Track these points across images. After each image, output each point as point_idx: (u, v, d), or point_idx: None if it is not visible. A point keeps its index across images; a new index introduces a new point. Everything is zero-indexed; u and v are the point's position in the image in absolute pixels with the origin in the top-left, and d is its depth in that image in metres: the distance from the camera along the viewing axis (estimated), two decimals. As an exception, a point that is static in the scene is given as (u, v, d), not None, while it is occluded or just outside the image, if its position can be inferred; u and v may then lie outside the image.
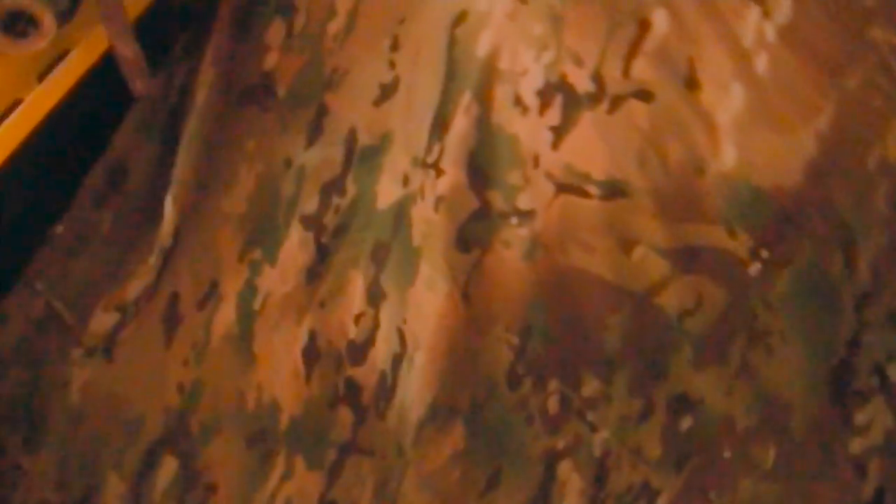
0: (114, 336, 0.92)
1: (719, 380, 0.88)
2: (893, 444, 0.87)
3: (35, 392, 0.88)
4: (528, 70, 0.88)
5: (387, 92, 0.92)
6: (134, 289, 0.91)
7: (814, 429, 0.88)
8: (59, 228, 0.91)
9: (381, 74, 0.93)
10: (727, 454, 0.88)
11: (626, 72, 0.87)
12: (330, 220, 0.93)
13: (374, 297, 0.92)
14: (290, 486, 0.91)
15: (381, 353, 0.91)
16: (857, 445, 0.88)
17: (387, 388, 0.91)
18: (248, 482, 0.91)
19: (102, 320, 0.92)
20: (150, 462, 0.90)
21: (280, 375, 0.92)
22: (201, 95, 0.94)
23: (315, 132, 0.94)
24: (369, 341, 0.91)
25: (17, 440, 0.89)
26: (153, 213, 0.94)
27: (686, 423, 0.88)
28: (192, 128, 0.93)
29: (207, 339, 0.92)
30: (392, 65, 0.92)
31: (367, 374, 0.91)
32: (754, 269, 0.86)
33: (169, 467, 0.90)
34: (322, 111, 0.94)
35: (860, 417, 0.88)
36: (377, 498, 0.90)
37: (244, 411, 0.91)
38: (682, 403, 0.88)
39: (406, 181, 0.91)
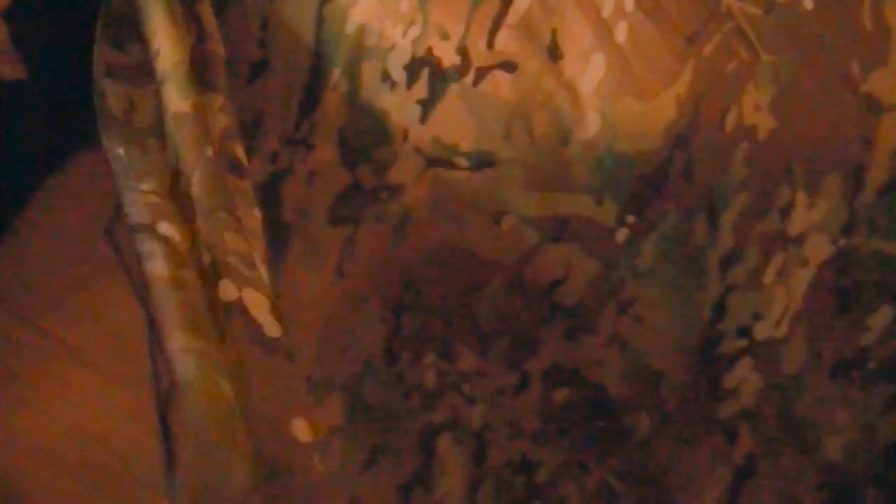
0: None
1: (591, 350, 0.88)
2: (763, 408, 0.88)
3: None
4: (395, 45, 0.88)
5: (257, 71, 0.92)
6: None
7: (684, 396, 0.89)
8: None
9: (251, 54, 0.93)
10: (602, 425, 0.88)
11: (490, 44, 0.87)
12: None
13: None
14: None
15: None
16: (726, 410, 0.88)
17: None
18: None
19: None
20: None
21: None
22: None
23: None
24: None
25: None
26: None
27: (561, 395, 0.89)
28: None
29: None
30: (262, 44, 0.93)
31: None
32: (621, 235, 0.87)
33: None
34: None
35: (728, 381, 0.88)
36: None
37: None
38: (557, 375, 0.88)
39: (275, 159, 0.91)
